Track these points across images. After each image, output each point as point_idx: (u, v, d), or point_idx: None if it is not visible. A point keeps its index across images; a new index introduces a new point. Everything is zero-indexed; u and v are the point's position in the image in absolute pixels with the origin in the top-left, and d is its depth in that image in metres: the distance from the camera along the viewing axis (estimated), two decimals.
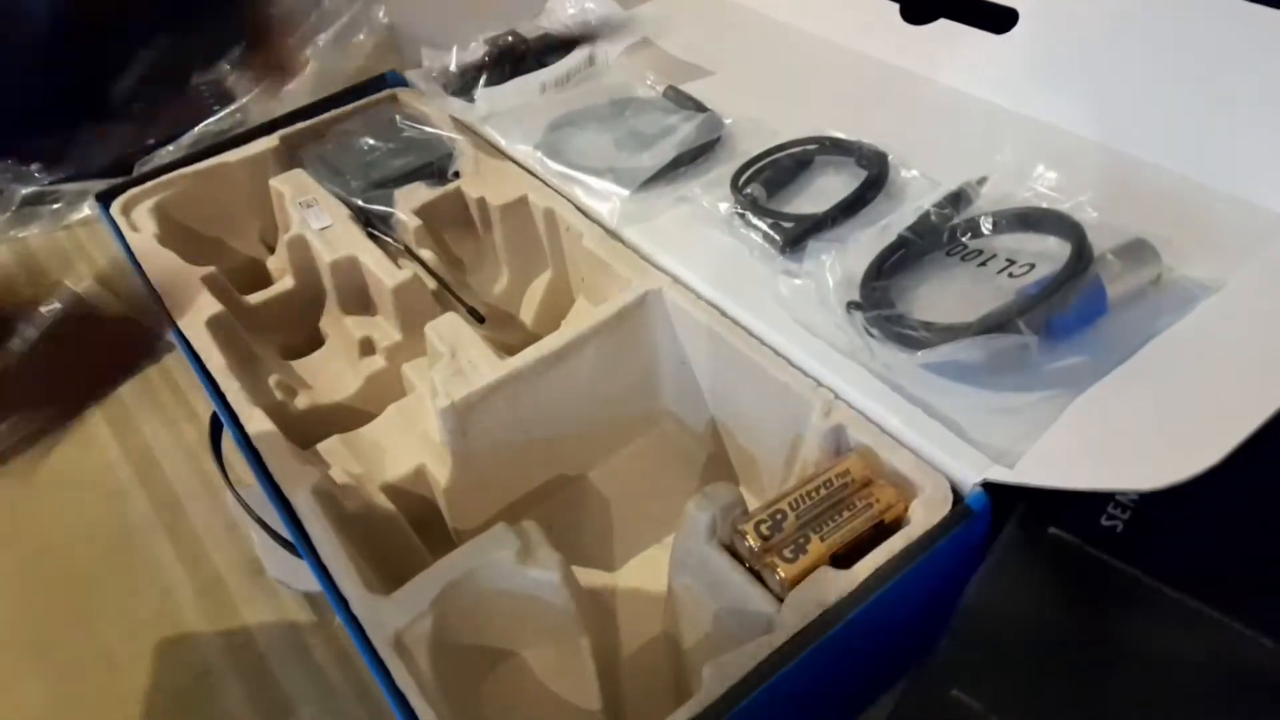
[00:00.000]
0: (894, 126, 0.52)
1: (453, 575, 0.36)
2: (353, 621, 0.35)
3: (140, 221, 0.56)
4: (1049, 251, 0.41)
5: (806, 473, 0.41)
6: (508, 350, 0.44)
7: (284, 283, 0.55)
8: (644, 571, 0.44)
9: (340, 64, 0.77)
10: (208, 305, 0.49)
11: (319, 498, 0.39)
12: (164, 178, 0.59)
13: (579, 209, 0.52)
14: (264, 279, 0.59)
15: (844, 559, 0.34)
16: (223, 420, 0.44)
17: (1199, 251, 0.41)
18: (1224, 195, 0.44)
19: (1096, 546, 0.34)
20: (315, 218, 0.54)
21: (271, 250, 0.62)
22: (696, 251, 0.47)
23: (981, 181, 0.45)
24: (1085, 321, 0.38)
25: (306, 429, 0.47)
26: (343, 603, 0.35)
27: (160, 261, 0.53)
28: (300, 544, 0.38)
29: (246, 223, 0.61)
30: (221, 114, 0.79)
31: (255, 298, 0.54)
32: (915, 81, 0.57)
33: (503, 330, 0.54)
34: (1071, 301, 0.38)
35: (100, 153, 0.61)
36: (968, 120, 0.53)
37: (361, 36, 0.80)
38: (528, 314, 0.55)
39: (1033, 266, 0.41)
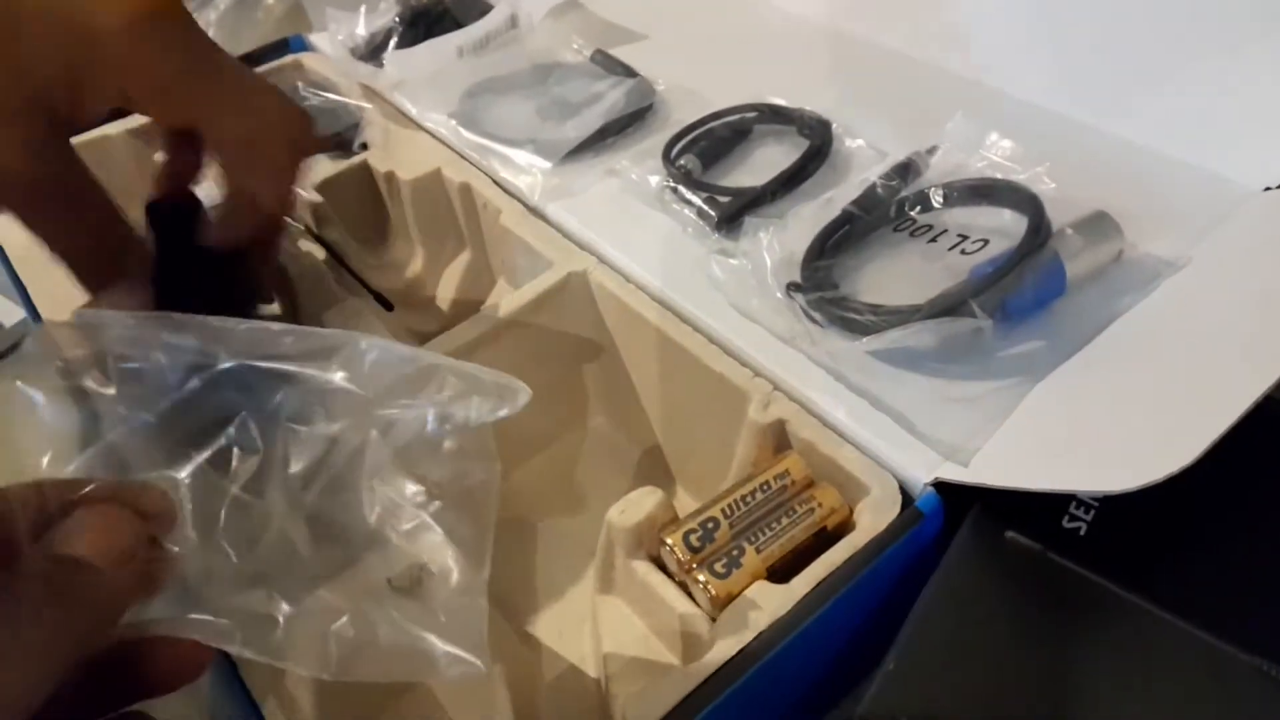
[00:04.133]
0: (838, 92, 0.48)
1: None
2: (225, 656, 0.30)
3: None
4: (1004, 226, 0.37)
5: (745, 471, 0.37)
6: (422, 340, 0.40)
7: None
8: (570, 584, 0.40)
9: (245, 29, 0.71)
10: (77, 296, 0.44)
11: None
12: None
13: (497, 183, 0.47)
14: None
15: (783, 571, 0.31)
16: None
17: (1161, 225, 0.38)
18: (1185, 165, 0.42)
19: (1058, 551, 0.31)
20: (203, 196, 0.48)
21: None
22: (625, 229, 0.43)
23: (931, 151, 0.41)
24: (1043, 302, 0.35)
25: None
26: None
27: (25, 244, 0.47)
28: None
29: (133, 205, 0.55)
30: None
31: None
32: (860, 45, 0.54)
33: (417, 318, 0.49)
34: (1028, 281, 0.34)
35: None
36: (916, 86, 0.50)
37: (270, 0, 0.74)
38: (445, 299, 0.51)
39: (986, 243, 0.37)
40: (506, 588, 0.40)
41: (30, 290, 0.45)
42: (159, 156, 0.51)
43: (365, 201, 0.52)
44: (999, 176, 0.39)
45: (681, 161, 0.45)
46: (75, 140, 0.52)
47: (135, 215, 0.55)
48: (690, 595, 0.31)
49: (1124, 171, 0.42)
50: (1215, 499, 0.31)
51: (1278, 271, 0.35)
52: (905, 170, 0.41)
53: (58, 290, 0.44)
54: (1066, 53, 0.46)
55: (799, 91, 0.48)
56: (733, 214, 0.42)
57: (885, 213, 0.40)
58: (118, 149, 0.54)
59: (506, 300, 0.41)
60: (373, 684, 0.34)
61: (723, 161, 0.47)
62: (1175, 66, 0.42)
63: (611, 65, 0.52)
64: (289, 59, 0.59)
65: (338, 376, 0.25)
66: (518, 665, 0.34)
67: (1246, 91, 0.40)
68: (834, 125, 0.46)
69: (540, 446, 0.45)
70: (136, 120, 0.54)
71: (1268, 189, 0.39)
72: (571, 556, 0.40)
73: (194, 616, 0.22)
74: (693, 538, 0.32)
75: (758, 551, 0.31)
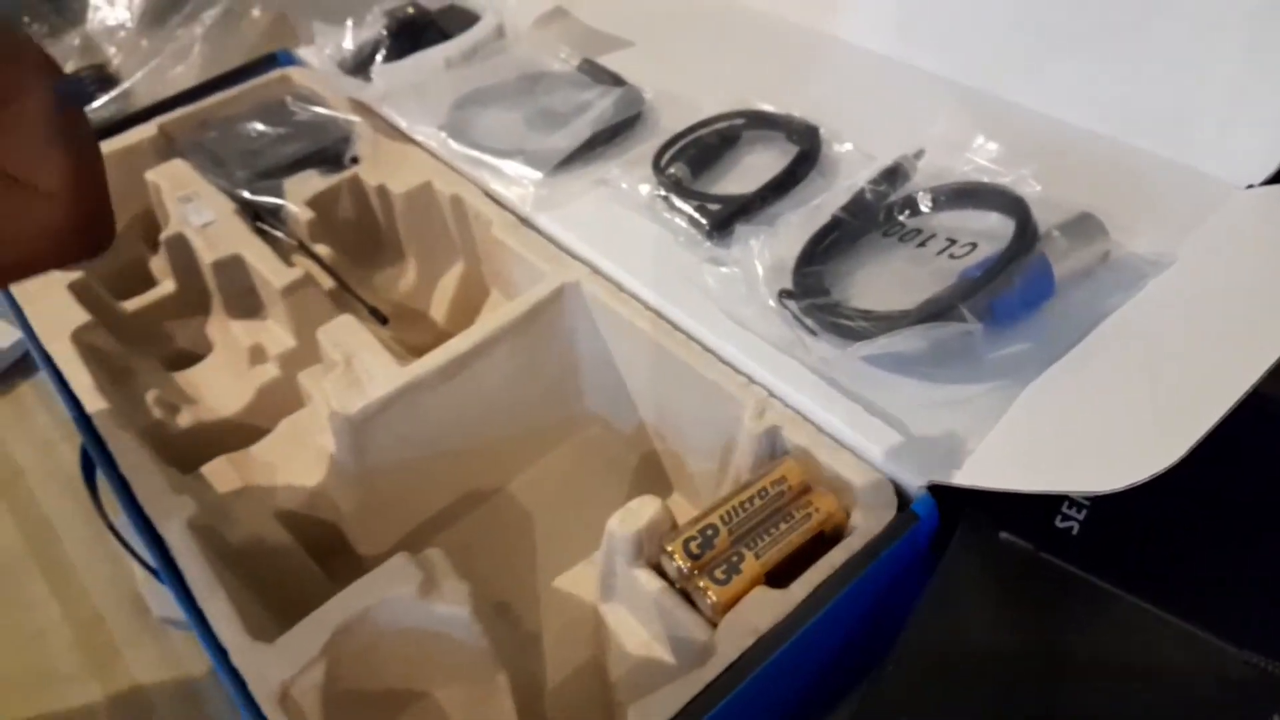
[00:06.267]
0: (825, 97, 0.49)
1: (345, 616, 0.32)
2: (232, 674, 0.31)
3: None
4: (991, 229, 0.38)
5: (741, 478, 0.37)
6: (417, 353, 0.40)
7: (164, 286, 0.50)
8: (572, 591, 0.40)
9: (232, 44, 0.71)
10: (74, 316, 0.44)
11: (196, 532, 0.34)
12: None
13: (488, 194, 0.48)
14: (149, 281, 0.53)
15: (782, 575, 0.31)
16: (88, 446, 0.39)
17: (1146, 224, 0.39)
18: (1169, 163, 0.42)
19: (1051, 551, 0.31)
20: (195, 213, 0.49)
21: (156, 250, 0.56)
22: (616, 238, 0.43)
23: (918, 155, 0.42)
24: (1032, 305, 0.36)
25: (190, 449, 0.43)
26: (221, 653, 0.31)
27: None
28: (173, 585, 0.33)
29: (126, 220, 0.56)
30: (103, 99, 0.72)
31: (133, 304, 0.49)
32: (846, 49, 0.54)
33: (411, 331, 0.49)
34: (1017, 283, 0.35)
35: None
36: (902, 88, 0.50)
37: (255, 13, 0.74)
38: (439, 311, 0.51)
39: (974, 246, 0.38)
40: (509, 596, 0.40)
41: (26, 312, 0.45)
42: (150, 175, 0.52)
43: (357, 215, 0.52)
44: (985, 180, 0.39)
45: (671, 170, 0.45)
46: None
47: (132, 239, 0.56)
48: (691, 602, 0.32)
49: (1110, 171, 0.42)
50: (1206, 495, 0.32)
51: (1262, 267, 0.36)
52: (893, 175, 0.41)
53: (53, 314, 0.44)
54: (1049, 53, 0.46)
55: (787, 96, 0.48)
56: (723, 221, 0.42)
57: (874, 217, 0.41)
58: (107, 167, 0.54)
59: (500, 311, 0.41)
60: (381, 694, 0.34)
61: (712, 169, 0.47)
62: (1157, 65, 0.42)
63: (599, 74, 0.53)
64: (276, 73, 0.59)
65: None
66: (523, 674, 0.35)
67: (1228, 89, 0.41)
68: (822, 130, 0.46)
69: (538, 456, 0.45)
70: (129, 138, 0.54)
71: (1250, 186, 0.40)
72: (572, 564, 0.41)
73: None
74: (693, 545, 0.32)
75: (756, 557, 0.32)
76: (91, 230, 0.23)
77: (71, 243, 0.22)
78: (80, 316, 0.44)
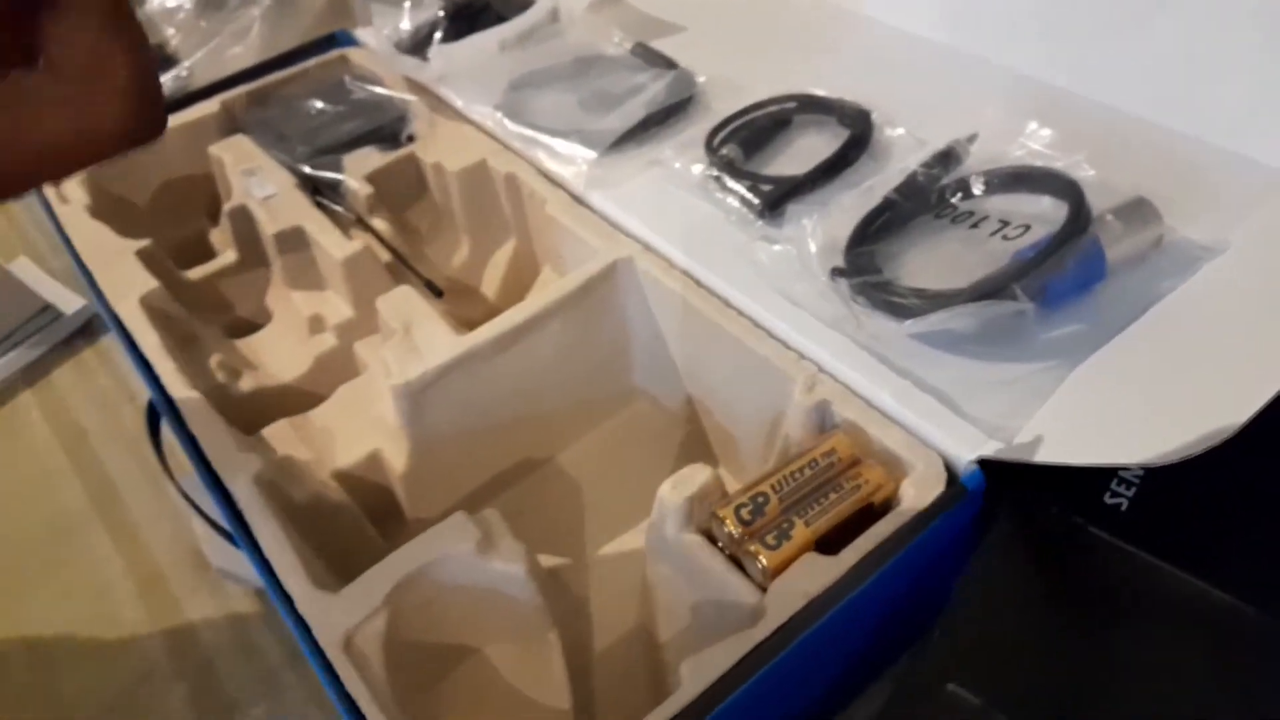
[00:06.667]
0: (877, 82, 0.49)
1: (407, 569, 0.33)
2: (298, 621, 0.32)
3: (70, 192, 0.52)
4: (1044, 213, 0.38)
5: (789, 452, 0.38)
6: (469, 326, 0.41)
7: (226, 256, 0.51)
8: (619, 560, 0.41)
9: (289, 24, 0.73)
10: (142, 281, 0.46)
11: (262, 487, 0.36)
12: None
13: (542, 173, 0.49)
14: (209, 253, 0.55)
15: (830, 544, 0.32)
16: (157, 405, 0.40)
17: (1200, 211, 0.39)
18: (1222, 151, 0.42)
19: (1100, 526, 0.31)
20: (258, 186, 0.50)
21: (217, 223, 0.58)
22: (669, 217, 0.44)
23: (971, 139, 0.42)
24: (1084, 287, 0.36)
25: (251, 412, 0.44)
26: (287, 601, 0.33)
27: (90, 235, 0.49)
28: (241, 537, 0.35)
29: (188, 193, 0.57)
30: (165, 76, 0.74)
31: (196, 273, 0.50)
32: (898, 34, 0.54)
33: (464, 304, 0.51)
34: (1069, 265, 0.35)
35: None
36: (953, 75, 0.50)
37: None
38: (490, 286, 0.52)
39: (1028, 228, 0.38)
40: (558, 562, 0.41)
41: (97, 278, 0.47)
42: (213, 149, 0.53)
43: (413, 192, 0.53)
44: (1038, 164, 0.40)
45: (723, 151, 0.46)
46: None
47: (195, 211, 0.57)
48: (741, 567, 0.33)
49: (1162, 158, 0.42)
50: (1255, 475, 0.32)
51: None
52: (946, 158, 0.42)
53: (122, 280, 0.46)
54: (1104, 40, 0.46)
55: (838, 81, 0.49)
56: (776, 201, 0.43)
57: (926, 200, 0.41)
58: (171, 141, 0.56)
59: (554, 286, 0.42)
60: (438, 647, 0.35)
61: (764, 151, 0.48)
62: (1211, 51, 0.42)
63: (652, 58, 0.53)
64: (335, 54, 0.60)
65: None
66: (573, 635, 0.36)
67: None
68: (873, 114, 0.47)
69: (588, 428, 0.46)
70: (192, 114, 0.56)
71: None
72: (620, 533, 0.42)
73: None
74: (744, 511, 0.33)
75: (807, 525, 0.32)
76: (154, 115, 0.22)
77: (135, 130, 0.21)
78: (149, 282, 0.46)
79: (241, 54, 0.74)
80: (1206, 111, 0.43)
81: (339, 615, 0.32)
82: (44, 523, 0.48)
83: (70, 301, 0.59)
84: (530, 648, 0.35)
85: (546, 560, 0.41)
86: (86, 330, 0.59)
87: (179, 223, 0.57)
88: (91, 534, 0.48)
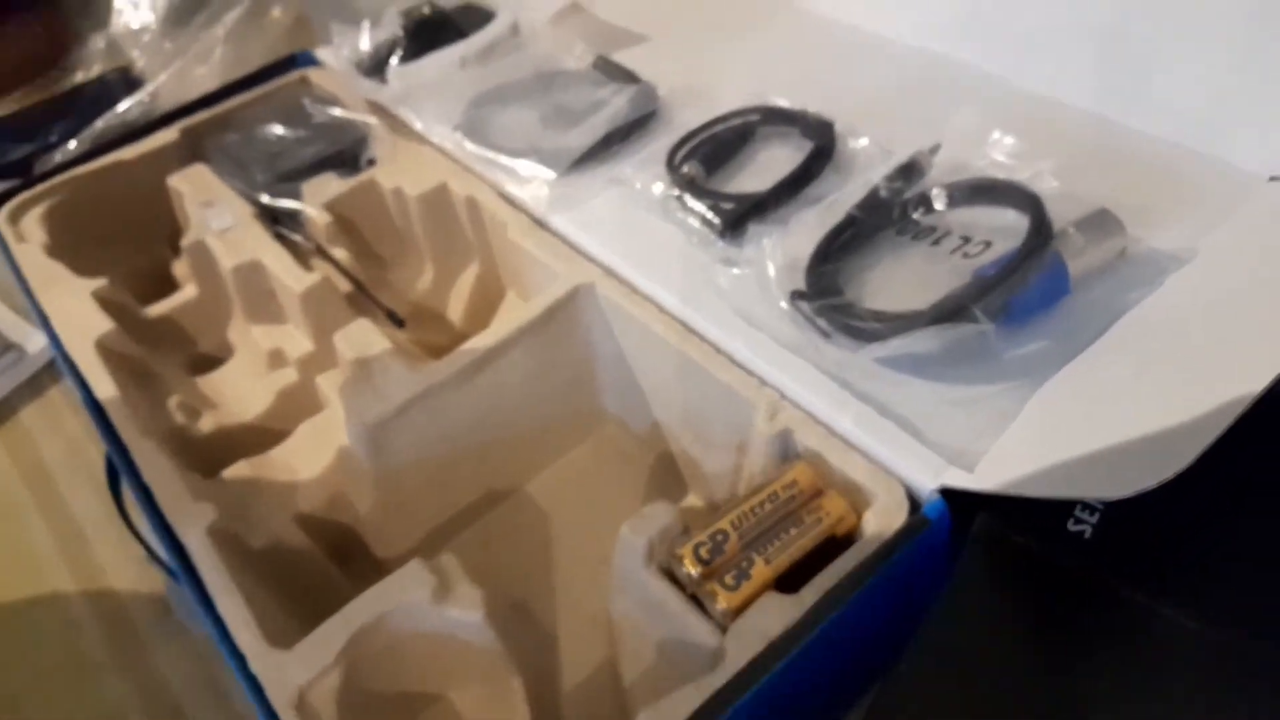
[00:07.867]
0: (841, 89, 0.48)
1: (363, 620, 0.32)
2: (250, 680, 0.31)
3: (29, 231, 0.52)
4: (1008, 226, 0.37)
5: (754, 480, 0.37)
6: (434, 353, 0.41)
7: (187, 291, 0.50)
8: (589, 589, 0.41)
9: (253, 44, 0.72)
10: (97, 324, 0.45)
11: (216, 539, 0.35)
12: (56, 180, 0.54)
13: (503, 196, 0.48)
14: (172, 284, 0.54)
15: (793, 580, 0.31)
16: (111, 454, 0.40)
17: (1167, 218, 0.38)
18: (1193, 153, 0.41)
19: (1064, 554, 0.31)
20: (216, 218, 0.49)
21: (179, 254, 0.57)
22: (631, 239, 0.43)
23: (934, 149, 0.41)
24: (1047, 303, 0.35)
25: (212, 453, 0.43)
26: (239, 659, 0.32)
27: (47, 275, 0.48)
28: (193, 592, 0.34)
29: (150, 226, 0.57)
30: (131, 100, 0.73)
31: (155, 309, 0.50)
32: (862, 37, 0.53)
33: (428, 331, 0.50)
34: (1031, 282, 0.34)
35: None
36: (920, 79, 0.49)
37: (276, 13, 0.74)
38: (456, 312, 0.51)
39: (989, 244, 0.37)
40: (526, 595, 0.40)
41: (52, 321, 0.46)
42: (172, 180, 0.52)
43: (374, 217, 0.52)
44: (1001, 175, 0.39)
45: (684, 168, 0.45)
46: (89, 167, 0.54)
47: (158, 244, 0.56)
48: (703, 608, 0.32)
49: (1130, 161, 0.41)
50: (1222, 497, 0.31)
51: None
52: (908, 170, 0.41)
53: (78, 322, 0.45)
54: (1070, 41, 0.45)
55: (802, 89, 0.48)
56: (736, 221, 0.42)
57: (889, 215, 0.40)
58: (132, 172, 0.55)
59: (516, 314, 0.41)
60: (397, 697, 0.35)
61: (727, 166, 0.47)
62: (1180, 53, 0.41)
63: (613, 71, 0.52)
64: (295, 75, 0.60)
65: None
66: (539, 673, 0.35)
67: (1253, 78, 0.40)
68: (837, 125, 0.46)
69: (556, 455, 0.45)
70: (152, 143, 0.55)
71: (1274, 178, 0.39)
72: (590, 564, 0.41)
73: None
74: (703, 550, 0.32)
75: (766, 562, 0.32)
76: None
77: None
78: (103, 324, 0.45)
79: (206, 75, 0.73)
80: (1179, 113, 0.42)
81: (292, 672, 0.31)
82: (8, 564, 0.48)
83: (36, 340, 0.58)
84: (493, 693, 0.35)
85: (514, 594, 0.40)
86: (52, 368, 0.58)
87: (141, 251, 0.56)
88: (55, 575, 0.47)
